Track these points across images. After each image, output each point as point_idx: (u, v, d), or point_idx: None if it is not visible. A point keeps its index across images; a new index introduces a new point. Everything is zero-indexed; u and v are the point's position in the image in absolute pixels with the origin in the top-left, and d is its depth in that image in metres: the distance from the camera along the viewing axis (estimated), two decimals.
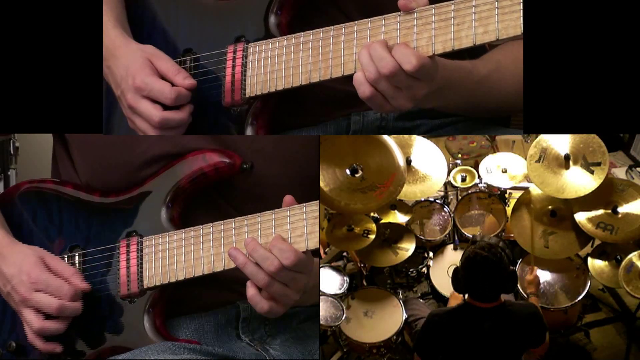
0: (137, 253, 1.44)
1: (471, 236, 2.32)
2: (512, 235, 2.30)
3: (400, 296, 2.31)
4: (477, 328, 1.74)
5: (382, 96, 1.25)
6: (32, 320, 1.40)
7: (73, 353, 1.46)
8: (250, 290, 1.32)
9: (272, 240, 1.31)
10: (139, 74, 1.40)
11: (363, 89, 1.25)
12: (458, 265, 1.78)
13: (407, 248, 2.31)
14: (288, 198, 1.34)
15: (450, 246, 2.42)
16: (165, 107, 1.40)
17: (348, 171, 2.07)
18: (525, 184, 2.33)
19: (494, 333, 1.73)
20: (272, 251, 1.29)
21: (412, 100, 1.26)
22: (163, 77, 1.41)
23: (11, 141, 2.41)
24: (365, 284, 2.38)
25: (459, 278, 1.76)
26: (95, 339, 1.46)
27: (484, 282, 1.71)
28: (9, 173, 2.42)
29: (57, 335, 1.43)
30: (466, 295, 1.78)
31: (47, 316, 1.40)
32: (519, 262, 2.23)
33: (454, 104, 1.51)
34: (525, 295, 2.10)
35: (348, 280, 2.27)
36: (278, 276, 1.29)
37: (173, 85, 1.40)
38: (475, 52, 1.49)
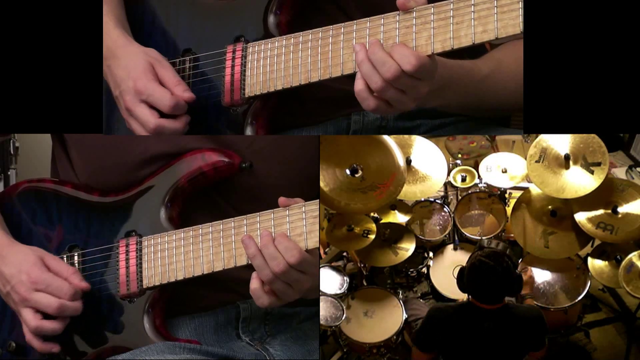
0: (137, 253, 1.44)
1: (473, 237, 2.34)
2: (512, 235, 2.30)
3: (400, 296, 2.31)
4: (477, 327, 1.74)
5: (387, 102, 1.25)
6: (29, 320, 1.40)
7: (73, 353, 1.46)
8: (254, 283, 1.32)
9: (277, 237, 1.31)
10: (140, 77, 1.40)
11: (367, 102, 1.25)
12: (463, 265, 1.78)
13: (407, 248, 2.31)
14: (282, 200, 1.34)
15: (450, 246, 2.41)
16: (162, 115, 1.40)
17: (348, 171, 2.07)
18: (525, 184, 2.32)
19: (494, 333, 1.73)
20: (278, 248, 1.30)
21: (415, 100, 1.26)
22: (162, 85, 1.41)
23: (11, 141, 2.41)
24: (365, 284, 2.38)
25: (464, 280, 1.76)
26: (95, 339, 1.46)
27: (490, 289, 1.71)
28: (9, 173, 2.42)
29: (58, 335, 1.43)
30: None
31: (45, 316, 1.40)
32: (519, 262, 2.22)
33: (455, 103, 1.51)
34: (522, 296, 2.10)
35: (348, 280, 2.27)
36: (283, 276, 1.29)
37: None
38: (475, 51, 1.49)
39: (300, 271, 1.31)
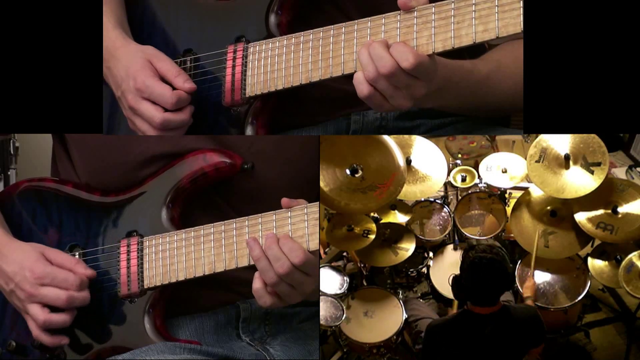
0: (138, 253, 1.44)
1: (473, 237, 2.33)
2: (512, 235, 2.30)
3: (400, 296, 2.31)
4: (477, 334, 1.73)
5: (381, 95, 1.25)
6: (37, 314, 1.40)
7: (73, 353, 1.46)
8: (257, 283, 1.32)
9: (281, 238, 1.31)
10: (139, 75, 1.40)
11: (361, 87, 1.25)
12: (456, 274, 1.77)
13: (407, 248, 2.31)
14: (285, 201, 1.35)
15: (450, 246, 2.41)
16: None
17: (348, 171, 2.07)
18: (525, 184, 2.33)
19: (495, 338, 1.73)
20: (282, 249, 1.30)
21: (411, 99, 1.26)
22: (163, 79, 1.41)
23: (11, 141, 2.41)
24: (365, 284, 2.38)
25: (461, 285, 1.74)
26: (96, 338, 1.46)
27: (492, 284, 1.70)
28: (9, 173, 2.42)
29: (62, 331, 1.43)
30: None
31: (52, 309, 1.40)
32: (519, 262, 2.23)
33: (454, 103, 1.51)
34: (523, 298, 2.10)
35: (348, 280, 2.27)
36: (287, 278, 1.29)
37: (173, 86, 1.40)
38: (475, 50, 1.49)
39: (304, 273, 1.31)
